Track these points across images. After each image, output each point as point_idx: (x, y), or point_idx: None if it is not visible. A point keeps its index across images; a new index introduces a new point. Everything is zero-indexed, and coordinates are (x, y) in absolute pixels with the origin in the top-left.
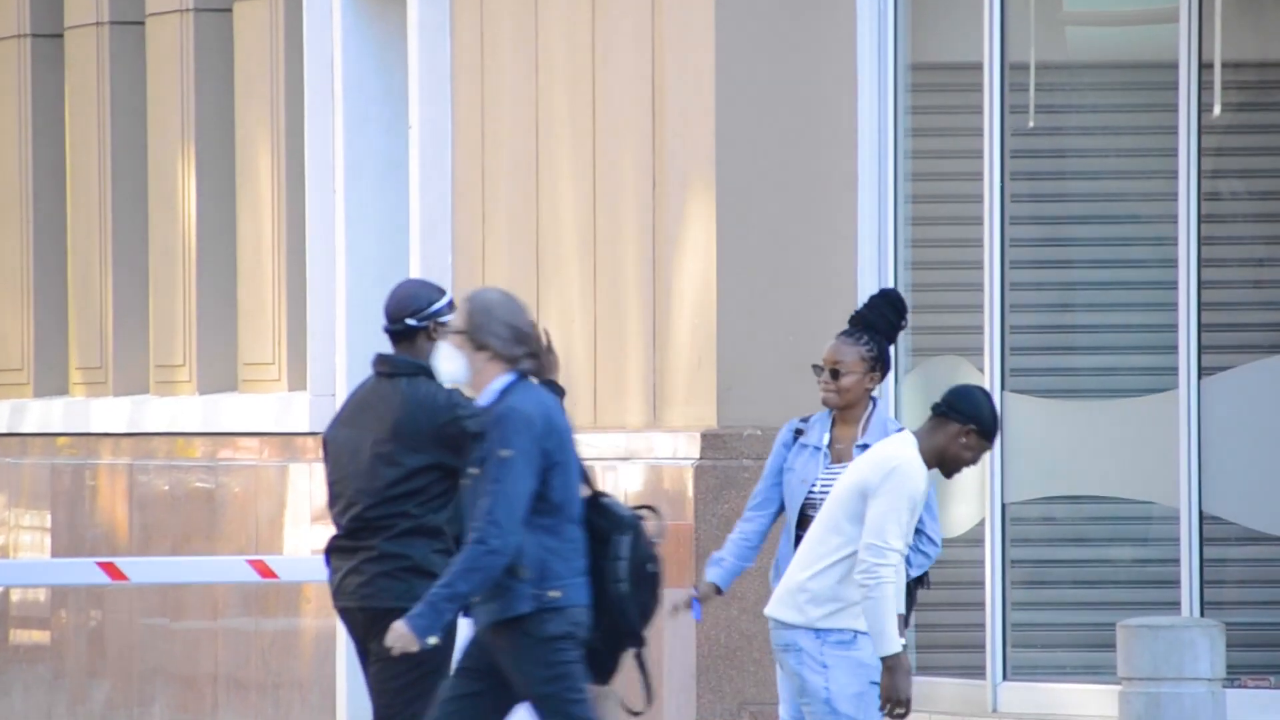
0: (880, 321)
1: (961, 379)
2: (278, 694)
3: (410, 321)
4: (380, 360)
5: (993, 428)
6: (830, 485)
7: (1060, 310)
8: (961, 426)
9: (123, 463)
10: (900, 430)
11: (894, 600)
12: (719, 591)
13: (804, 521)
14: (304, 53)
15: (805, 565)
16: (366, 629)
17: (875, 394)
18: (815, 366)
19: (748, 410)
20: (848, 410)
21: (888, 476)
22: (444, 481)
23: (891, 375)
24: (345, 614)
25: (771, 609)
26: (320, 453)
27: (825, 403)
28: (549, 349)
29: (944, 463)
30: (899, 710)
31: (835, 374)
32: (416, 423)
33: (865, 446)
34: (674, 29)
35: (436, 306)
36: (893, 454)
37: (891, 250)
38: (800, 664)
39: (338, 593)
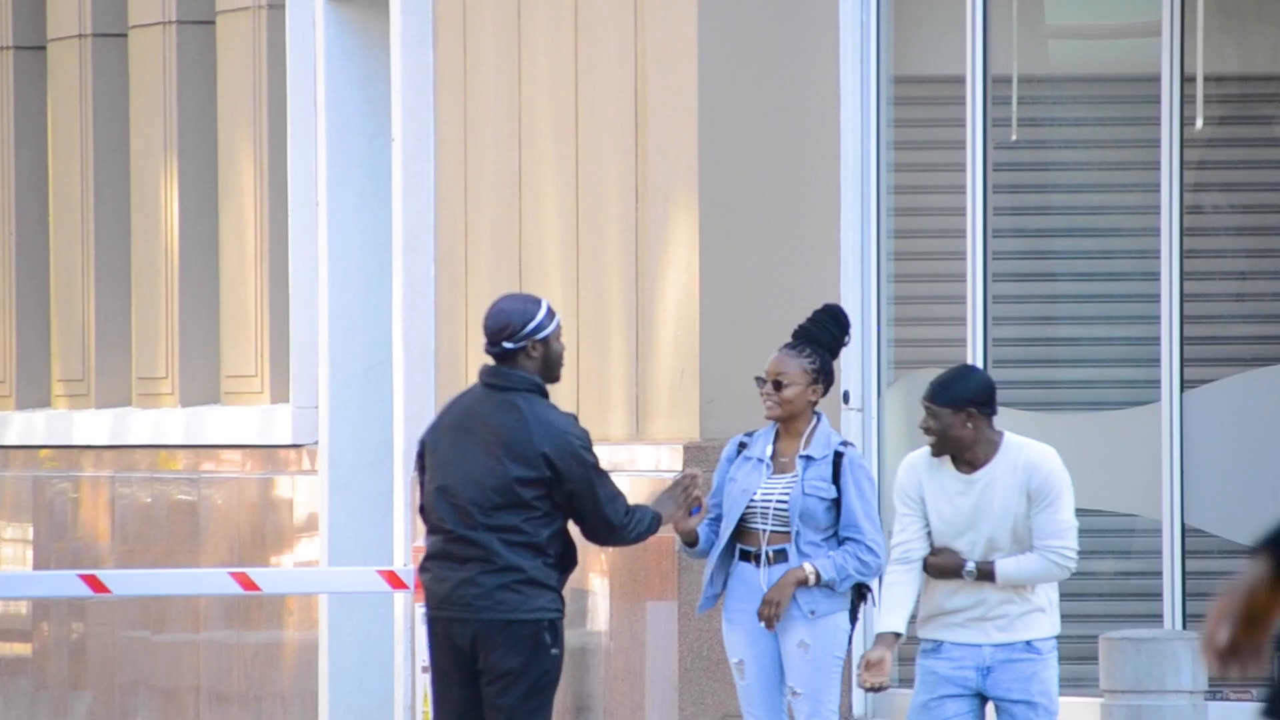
0: (823, 335)
1: None
2: (260, 706)
3: (507, 345)
4: (491, 373)
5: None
6: (770, 495)
7: (1042, 323)
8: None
9: (105, 475)
10: (845, 443)
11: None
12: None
13: (741, 533)
14: (286, 65)
15: None
16: (479, 641)
17: (819, 408)
18: (758, 379)
19: (731, 422)
20: (790, 422)
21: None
22: (549, 499)
23: (874, 388)
24: (450, 624)
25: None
26: (302, 464)
27: (768, 414)
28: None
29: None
30: None
31: (778, 385)
32: (532, 439)
33: (808, 459)
34: (656, 42)
35: (531, 326)
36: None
37: (874, 262)
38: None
39: (446, 603)
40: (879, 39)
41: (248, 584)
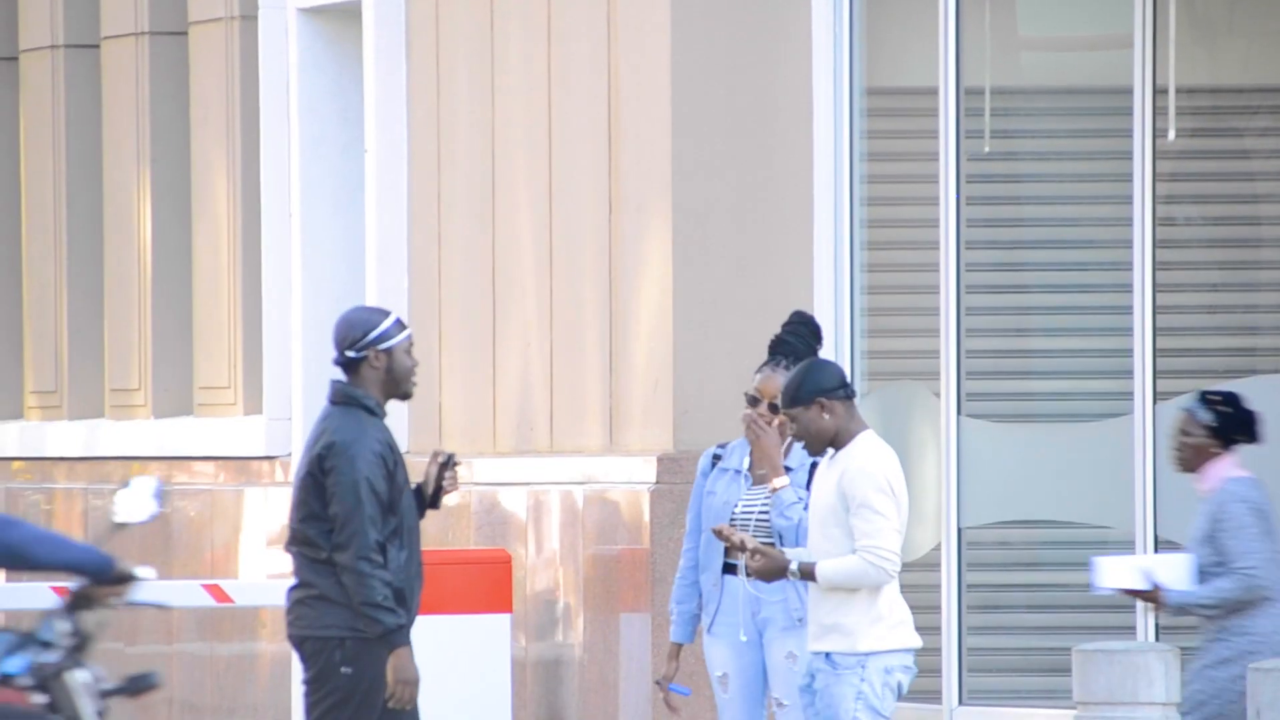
0: (801, 345)
1: (918, 403)
2: (232, 718)
3: (349, 354)
4: (330, 384)
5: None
6: (752, 507)
7: (1016, 335)
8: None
9: (78, 487)
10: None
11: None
12: (681, 647)
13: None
14: (259, 76)
15: None
16: (301, 655)
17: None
18: (751, 397)
19: (704, 434)
20: None
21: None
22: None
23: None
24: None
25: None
26: (275, 475)
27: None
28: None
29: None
30: None
31: (775, 408)
32: (317, 449)
33: (788, 469)
34: (629, 53)
35: (372, 335)
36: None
37: (847, 274)
38: None
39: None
40: (852, 51)
41: (221, 595)
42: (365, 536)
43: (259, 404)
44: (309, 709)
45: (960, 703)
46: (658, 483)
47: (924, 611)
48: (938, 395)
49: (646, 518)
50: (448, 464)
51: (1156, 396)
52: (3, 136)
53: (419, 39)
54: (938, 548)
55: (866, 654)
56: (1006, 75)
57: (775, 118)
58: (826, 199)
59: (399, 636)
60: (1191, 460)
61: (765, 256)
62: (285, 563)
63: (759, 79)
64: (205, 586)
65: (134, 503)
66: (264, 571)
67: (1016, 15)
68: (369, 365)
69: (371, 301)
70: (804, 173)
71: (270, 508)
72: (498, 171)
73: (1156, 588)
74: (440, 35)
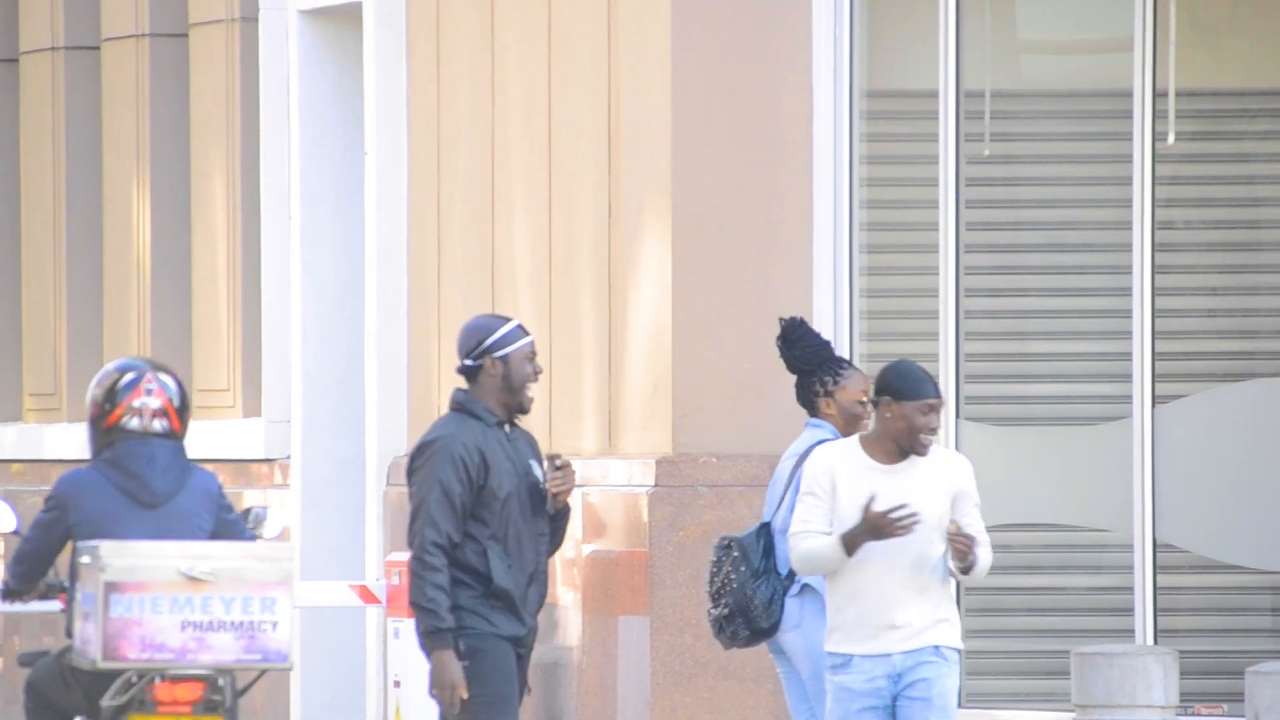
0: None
1: None
2: None
3: (467, 362)
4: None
5: (902, 385)
6: None
7: (1015, 338)
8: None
9: None
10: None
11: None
12: None
13: None
14: (260, 78)
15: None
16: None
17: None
18: (873, 400)
19: (703, 437)
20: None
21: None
22: None
23: None
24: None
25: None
26: (275, 477)
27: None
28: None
29: (897, 441)
30: None
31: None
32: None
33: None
34: (629, 56)
35: (488, 342)
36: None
37: (846, 277)
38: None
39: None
40: (852, 54)
41: None
42: (423, 537)
43: (258, 406)
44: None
45: (960, 705)
46: (656, 485)
47: None
48: None
49: (646, 520)
50: (558, 465)
51: (1155, 400)
52: (2, 138)
53: (419, 41)
54: None
55: (959, 649)
56: (1006, 78)
57: (775, 120)
58: (826, 202)
59: (438, 640)
60: None
61: (765, 259)
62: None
63: (759, 82)
64: None
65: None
66: None
67: (1016, 18)
68: (486, 373)
69: (370, 302)
70: (804, 175)
71: (270, 510)
72: (497, 174)
73: None
74: (440, 38)
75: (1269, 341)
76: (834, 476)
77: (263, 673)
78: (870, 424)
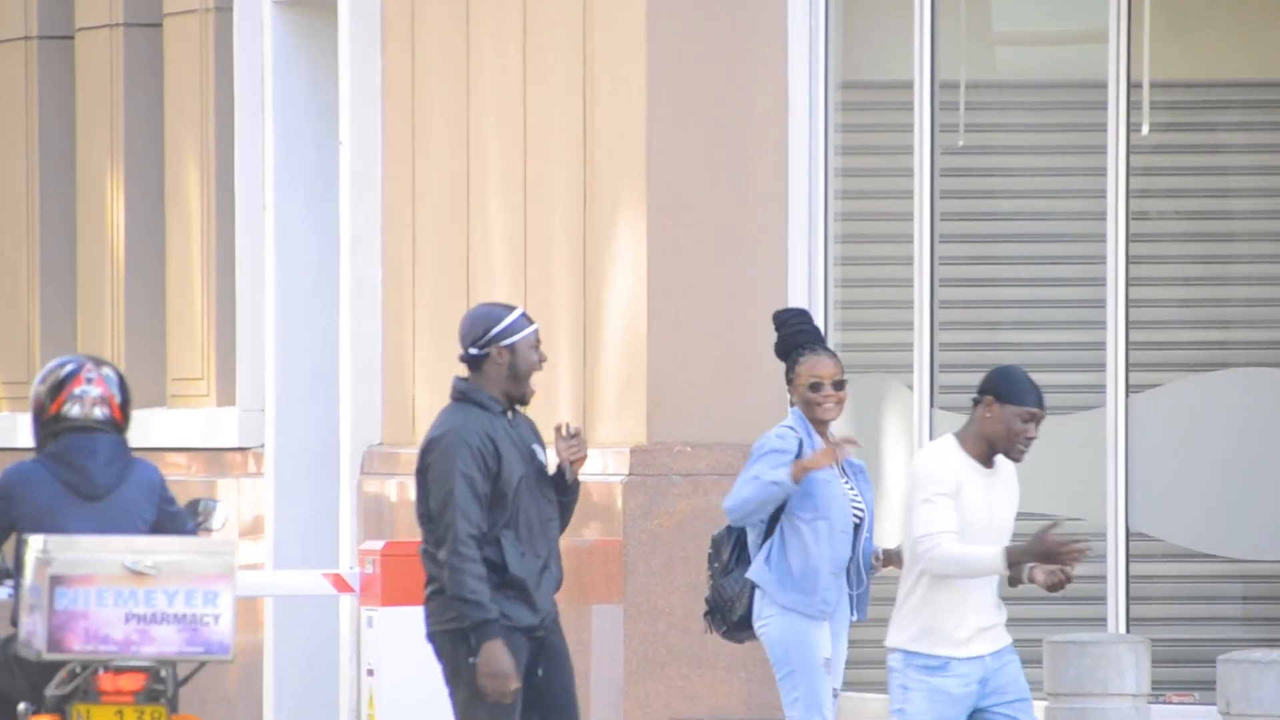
0: (814, 331)
1: (891, 396)
2: (205, 710)
3: (473, 350)
4: (452, 383)
5: (1006, 389)
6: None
7: (989, 328)
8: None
9: None
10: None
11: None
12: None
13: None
14: (234, 68)
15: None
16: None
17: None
18: (815, 384)
19: (677, 426)
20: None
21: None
22: None
23: None
24: None
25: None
26: (248, 467)
27: (828, 416)
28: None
29: (992, 444)
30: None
31: (840, 385)
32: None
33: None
34: (605, 45)
35: (495, 331)
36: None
37: (821, 267)
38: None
39: None
40: (827, 44)
41: None
42: (456, 529)
43: (232, 395)
44: (453, 706)
45: None
46: (631, 475)
47: None
48: (910, 388)
49: (620, 510)
50: (570, 434)
51: (1129, 389)
52: None
53: (394, 31)
54: None
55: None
56: (981, 69)
57: (750, 111)
58: (801, 192)
59: (486, 630)
60: None
61: (739, 249)
62: (258, 555)
63: (734, 72)
64: None
65: None
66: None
67: (991, 9)
68: (492, 362)
69: (344, 292)
70: (779, 166)
71: (244, 499)
72: (472, 164)
73: None
74: (415, 28)
75: (1242, 331)
76: (959, 478)
77: (203, 664)
78: (832, 409)
